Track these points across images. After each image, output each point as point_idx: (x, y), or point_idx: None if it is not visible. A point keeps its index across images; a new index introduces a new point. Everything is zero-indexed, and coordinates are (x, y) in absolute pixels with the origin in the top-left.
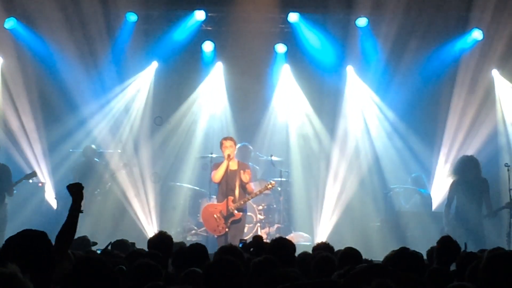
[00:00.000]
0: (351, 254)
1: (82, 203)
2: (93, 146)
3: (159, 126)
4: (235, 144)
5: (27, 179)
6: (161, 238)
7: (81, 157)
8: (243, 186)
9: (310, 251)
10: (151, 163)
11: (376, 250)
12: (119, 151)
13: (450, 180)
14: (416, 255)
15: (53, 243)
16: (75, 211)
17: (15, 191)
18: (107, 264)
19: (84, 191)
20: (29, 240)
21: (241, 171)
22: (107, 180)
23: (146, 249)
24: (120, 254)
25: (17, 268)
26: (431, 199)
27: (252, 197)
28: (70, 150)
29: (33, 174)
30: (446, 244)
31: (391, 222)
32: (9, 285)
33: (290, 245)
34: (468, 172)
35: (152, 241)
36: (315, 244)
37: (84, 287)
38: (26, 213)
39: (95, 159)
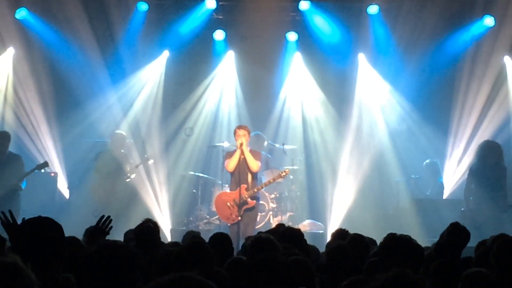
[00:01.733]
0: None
1: (103, 193)
2: (123, 132)
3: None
4: (249, 133)
5: (38, 170)
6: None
7: (107, 145)
8: (254, 174)
9: (323, 239)
10: (163, 153)
11: None
12: (132, 140)
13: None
14: (405, 238)
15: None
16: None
17: (25, 182)
18: (129, 250)
19: (105, 180)
20: (41, 227)
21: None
22: (129, 171)
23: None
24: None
25: (18, 257)
26: (443, 187)
27: (265, 185)
28: (83, 140)
29: (45, 164)
30: (455, 232)
31: (404, 210)
32: (11, 275)
33: (299, 234)
34: (488, 157)
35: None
36: (334, 231)
37: (104, 272)
38: (39, 203)
39: (122, 150)
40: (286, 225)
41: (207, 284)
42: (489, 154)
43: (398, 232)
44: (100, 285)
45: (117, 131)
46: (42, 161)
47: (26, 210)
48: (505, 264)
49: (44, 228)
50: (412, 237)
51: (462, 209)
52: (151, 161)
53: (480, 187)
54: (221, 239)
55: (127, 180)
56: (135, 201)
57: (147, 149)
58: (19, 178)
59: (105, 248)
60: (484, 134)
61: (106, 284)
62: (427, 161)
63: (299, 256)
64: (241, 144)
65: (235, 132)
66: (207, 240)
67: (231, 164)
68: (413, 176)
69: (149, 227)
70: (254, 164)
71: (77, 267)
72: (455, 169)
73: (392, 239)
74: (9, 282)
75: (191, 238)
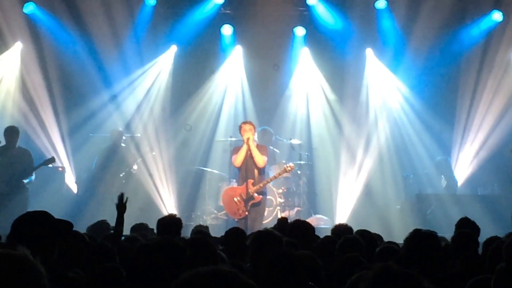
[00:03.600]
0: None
1: (106, 186)
2: (120, 129)
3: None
4: (254, 128)
5: (45, 165)
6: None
7: (107, 141)
8: (260, 169)
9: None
10: (170, 147)
11: (397, 233)
12: (139, 135)
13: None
14: (431, 234)
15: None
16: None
17: (33, 176)
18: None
19: (107, 174)
20: (31, 222)
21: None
22: (131, 164)
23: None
24: (140, 238)
25: (27, 250)
26: (456, 182)
27: (271, 180)
28: (90, 134)
29: (52, 160)
30: (463, 226)
31: (411, 205)
32: (21, 268)
33: (310, 228)
34: None
35: (162, 223)
36: (334, 226)
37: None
38: (46, 198)
39: (122, 144)
40: (294, 219)
41: (243, 279)
42: None
43: (405, 227)
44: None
45: (115, 128)
46: (49, 156)
47: (34, 204)
48: None
49: (34, 222)
50: None
51: None
52: (153, 153)
53: None
54: (236, 234)
55: (132, 171)
56: (144, 196)
57: (149, 142)
58: (26, 173)
59: (158, 243)
60: (492, 128)
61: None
62: (439, 157)
63: (305, 251)
64: (248, 139)
65: (240, 127)
66: (214, 234)
67: (238, 159)
68: (421, 171)
69: (173, 219)
70: (260, 159)
71: (83, 261)
72: (463, 164)
73: (417, 235)
74: (19, 274)
75: (194, 234)
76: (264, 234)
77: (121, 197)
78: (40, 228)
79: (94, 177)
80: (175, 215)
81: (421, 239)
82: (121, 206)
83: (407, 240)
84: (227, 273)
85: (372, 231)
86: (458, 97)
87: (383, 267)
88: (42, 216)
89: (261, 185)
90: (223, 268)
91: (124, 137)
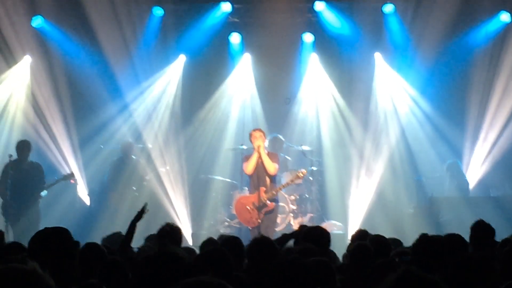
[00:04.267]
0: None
1: (120, 199)
2: (130, 140)
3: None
4: (264, 135)
5: (64, 180)
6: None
7: (118, 153)
8: (272, 177)
9: (343, 240)
10: (182, 156)
11: (410, 237)
12: (150, 145)
13: None
14: (438, 239)
15: (87, 239)
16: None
17: (46, 192)
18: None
19: (119, 186)
20: (49, 237)
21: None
22: (144, 176)
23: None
24: (152, 246)
25: (36, 264)
26: (467, 184)
27: (284, 187)
28: (101, 146)
29: (71, 175)
30: (479, 229)
31: (424, 209)
32: (30, 282)
33: (325, 233)
34: None
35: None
36: (354, 233)
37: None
38: (59, 210)
39: (132, 155)
40: (313, 225)
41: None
42: None
43: (418, 231)
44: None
45: (125, 139)
46: (62, 170)
47: (47, 217)
48: None
49: (54, 239)
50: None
51: None
52: (167, 167)
53: None
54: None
55: (144, 183)
56: (157, 207)
57: (161, 153)
58: (43, 187)
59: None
60: (503, 129)
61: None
62: (449, 161)
63: (319, 257)
64: (259, 147)
65: (250, 135)
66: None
67: (250, 167)
68: (433, 175)
69: (169, 229)
70: (271, 167)
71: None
72: (474, 167)
73: (425, 240)
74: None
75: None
76: (260, 242)
77: (144, 207)
78: (58, 244)
79: (107, 189)
80: (173, 224)
81: (428, 244)
82: (139, 215)
83: (414, 245)
84: (213, 284)
85: (386, 235)
86: (468, 99)
87: (405, 271)
88: (61, 232)
89: (274, 192)
90: (209, 279)
91: (134, 148)
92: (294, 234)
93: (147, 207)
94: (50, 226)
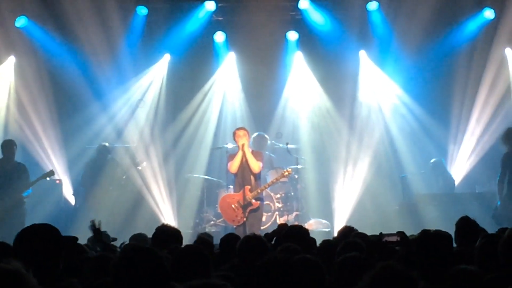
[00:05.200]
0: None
1: (98, 200)
2: (106, 144)
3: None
4: (248, 134)
5: (44, 178)
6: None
7: (94, 154)
8: (257, 175)
9: (329, 237)
10: (166, 155)
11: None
12: (135, 145)
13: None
14: (440, 234)
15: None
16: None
17: (30, 190)
18: (157, 253)
19: (96, 187)
20: (36, 234)
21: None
22: (121, 175)
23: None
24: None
25: (20, 264)
26: (453, 181)
27: (269, 186)
28: (87, 146)
29: (51, 173)
30: (464, 225)
31: (410, 206)
32: (13, 281)
33: (305, 232)
34: None
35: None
36: (340, 228)
37: (134, 277)
38: (45, 210)
39: (108, 155)
40: (293, 224)
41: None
42: None
43: (404, 227)
44: None
45: (101, 143)
46: (47, 169)
47: (32, 217)
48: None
49: (40, 235)
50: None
51: (498, 203)
52: (144, 164)
53: None
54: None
55: (122, 182)
56: (138, 206)
57: (145, 152)
58: (25, 187)
59: (133, 252)
60: (487, 125)
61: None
62: (433, 160)
63: (307, 255)
64: (243, 145)
65: (234, 134)
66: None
67: (234, 165)
68: (419, 171)
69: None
70: (255, 165)
71: (81, 271)
72: (460, 163)
73: (427, 235)
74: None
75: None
76: (251, 239)
77: (93, 224)
78: (44, 241)
79: (83, 190)
80: (169, 225)
81: (432, 239)
82: (95, 231)
83: (417, 240)
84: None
85: (372, 232)
86: (453, 96)
87: (384, 266)
88: (46, 229)
89: (259, 190)
90: (214, 281)
91: (110, 151)
92: (275, 233)
93: (96, 221)
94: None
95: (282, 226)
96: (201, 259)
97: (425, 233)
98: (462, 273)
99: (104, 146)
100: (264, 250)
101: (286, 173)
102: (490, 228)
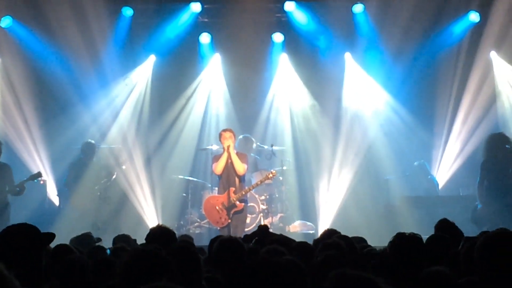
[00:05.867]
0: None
1: (83, 201)
2: (92, 141)
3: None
4: (234, 135)
5: (32, 180)
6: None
7: (79, 154)
8: (241, 177)
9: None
10: (151, 156)
11: (380, 237)
12: (120, 146)
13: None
14: (415, 238)
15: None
16: None
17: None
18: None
19: (81, 188)
20: (16, 234)
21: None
22: (106, 176)
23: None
24: (126, 247)
25: (1, 265)
26: (437, 184)
27: (253, 188)
28: (71, 146)
29: (38, 174)
30: (443, 227)
31: (395, 208)
32: None
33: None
34: (497, 149)
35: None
36: (323, 231)
37: (142, 278)
38: (29, 211)
39: (93, 157)
40: (277, 226)
41: None
42: (499, 146)
43: (389, 230)
44: None
45: (87, 140)
46: (32, 170)
47: (16, 218)
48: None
49: (21, 236)
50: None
51: (479, 206)
52: (123, 167)
53: (494, 181)
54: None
55: (108, 183)
56: (123, 207)
57: (129, 153)
58: (10, 189)
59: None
60: (473, 128)
61: None
62: (416, 163)
63: (288, 257)
64: (229, 147)
65: (220, 135)
66: (198, 243)
67: (219, 167)
68: (403, 174)
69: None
70: (240, 167)
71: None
72: (445, 165)
73: (401, 238)
74: None
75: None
76: (228, 241)
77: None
78: (24, 240)
79: (67, 191)
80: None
81: (405, 242)
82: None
83: (392, 244)
84: None
85: (356, 235)
86: (438, 98)
87: (340, 272)
88: (26, 228)
89: (243, 192)
90: (167, 284)
91: (96, 149)
92: (256, 234)
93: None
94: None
95: (262, 228)
96: (193, 259)
97: (398, 236)
98: (433, 275)
99: (90, 143)
100: (241, 252)
101: (271, 175)
102: (474, 231)
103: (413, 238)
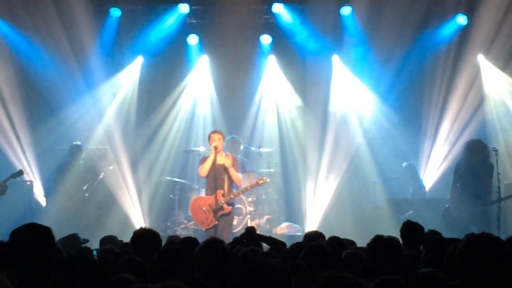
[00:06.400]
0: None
1: (70, 202)
2: (79, 143)
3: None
4: (224, 138)
5: (13, 178)
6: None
7: (67, 156)
8: (231, 179)
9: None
10: (138, 157)
11: (367, 239)
12: (107, 147)
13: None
14: (393, 240)
15: None
16: None
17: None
18: (98, 263)
19: (67, 189)
20: (35, 234)
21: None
22: (93, 177)
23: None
24: (114, 248)
25: (3, 276)
26: (424, 187)
27: (242, 192)
28: (58, 147)
29: (20, 172)
30: (409, 228)
31: (382, 210)
32: None
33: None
34: (473, 155)
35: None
36: (306, 233)
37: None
38: (15, 212)
39: (80, 159)
40: (264, 228)
41: None
42: (475, 152)
43: (376, 233)
44: None
45: (74, 143)
46: (17, 169)
47: (2, 219)
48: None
49: (35, 235)
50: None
51: (447, 205)
52: (111, 167)
53: (466, 186)
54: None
55: (95, 184)
56: (110, 208)
57: (116, 154)
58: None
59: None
60: (460, 131)
61: None
62: (405, 164)
63: (274, 260)
64: (215, 148)
65: (209, 137)
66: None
67: (204, 169)
68: (390, 176)
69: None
70: (237, 179)
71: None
72: (432, 168)
73: (379, 241)
74: None
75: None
76: (212, 242)
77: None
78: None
79: (54, 192)
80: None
81: (383, 245)
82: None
83: (369, 246)
84: None
85: (343, 237)
86: (426, 101)
87: (327, 274)
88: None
89: (232, 196)
90: (178, 284)
91: (83, 151)
92: (243, 236)
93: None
94: (6, 229)
95: (250, 230)
96: (184, 260)
97: (376, 239)
98: (427, 277)
99: (77, 145)
100: (224, 254)
101: (261, 181)
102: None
103: (391, 240)
